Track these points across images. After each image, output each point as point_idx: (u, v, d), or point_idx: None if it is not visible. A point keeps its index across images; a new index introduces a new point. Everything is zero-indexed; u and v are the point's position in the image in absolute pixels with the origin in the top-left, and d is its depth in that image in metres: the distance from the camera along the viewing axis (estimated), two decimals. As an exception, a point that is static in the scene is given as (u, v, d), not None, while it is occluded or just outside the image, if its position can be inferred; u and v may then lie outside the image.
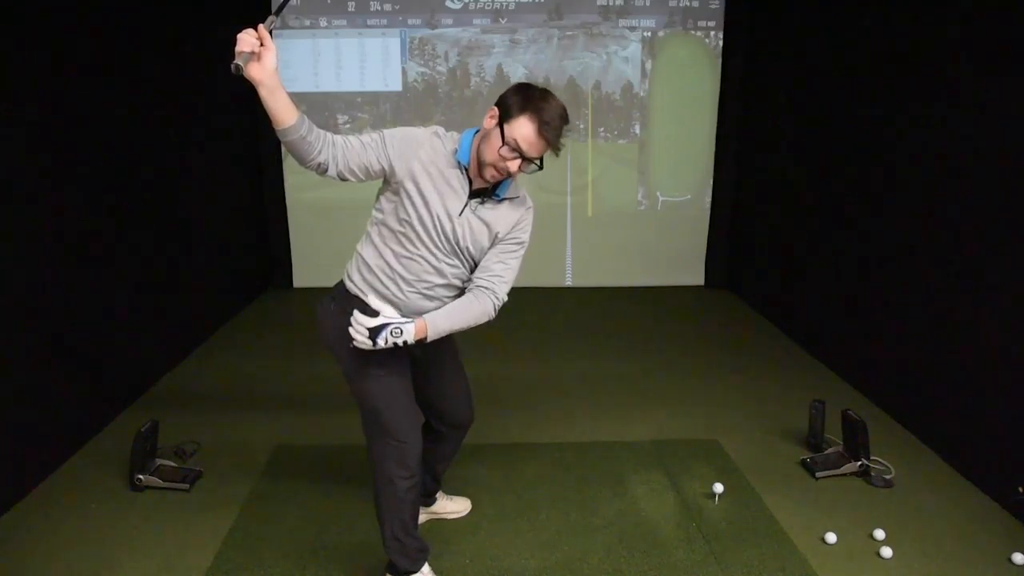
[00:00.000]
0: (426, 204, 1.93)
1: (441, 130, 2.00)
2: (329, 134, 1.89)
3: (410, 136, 1.94)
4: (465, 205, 1.97)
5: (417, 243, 1.98)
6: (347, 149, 1.89)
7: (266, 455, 3.12)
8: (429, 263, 2.00)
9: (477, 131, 1.97)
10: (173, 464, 2.93)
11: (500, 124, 1.86)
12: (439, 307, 2.02)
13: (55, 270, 3.03)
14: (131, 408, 3.55)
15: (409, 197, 1.93)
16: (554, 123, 1.83)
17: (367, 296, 1.99)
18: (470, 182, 1.97)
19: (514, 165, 1.87)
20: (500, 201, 2.02)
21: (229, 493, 2.82)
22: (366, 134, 1.94)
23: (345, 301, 2.07)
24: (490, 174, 1.90)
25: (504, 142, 1.84)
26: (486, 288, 2.01)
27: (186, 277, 4.27)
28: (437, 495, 2.65)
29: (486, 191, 1.99)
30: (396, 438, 2.07)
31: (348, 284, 2.08)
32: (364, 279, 2.05)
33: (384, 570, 2.29)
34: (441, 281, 2.04)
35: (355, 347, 1.92)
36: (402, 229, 1.97)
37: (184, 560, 2.42)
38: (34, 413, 2.86)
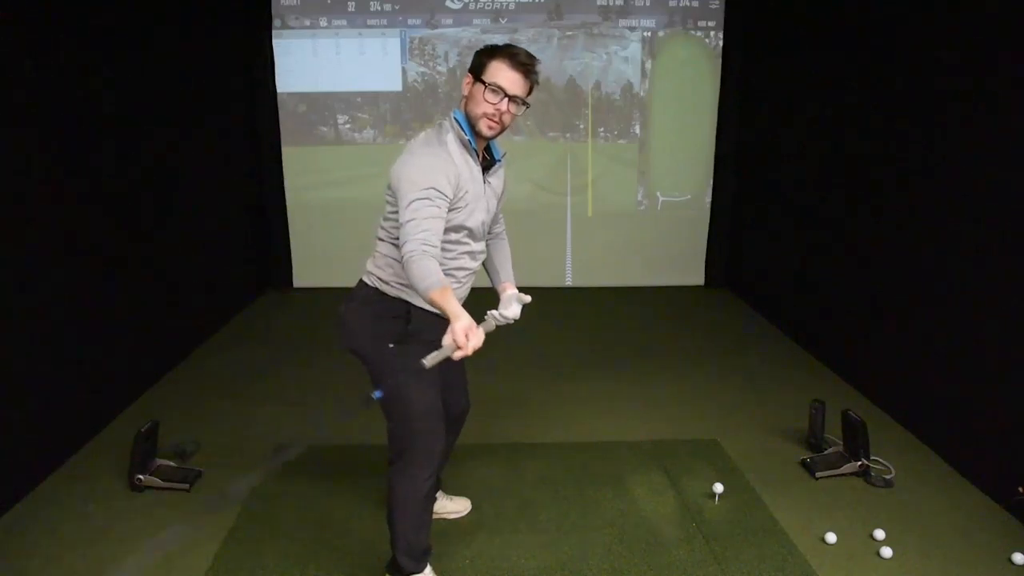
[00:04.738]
0: (475, 205, 2.04)
1: (435, 137, 2.01)
2: (433, 260, 1.86)
3: (436, 170, 1.92)
4: (484, 183, 2.08)
5: (467, 240, 2.08)
6: (439, 230, 1.91)
7: (266, 455, 3.12)
8: (470, 254, 2.12)
9: (457, 111, 2.05)
10: (173, 464, 2.93)
11: (477, 79, 1.98)
12: (467, 290, 2.19)
13: (55, 270, 3.02)
14: (131, 408, 3.55)
15: (459, 208, 2.00)
16: (522, 53, 1.97)
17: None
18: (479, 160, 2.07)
19: (503, 105, 1.96)
20: (497, 165, 2.14)
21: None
22: (424, 203, 1.89)
23: (380, 304, 2.08)
24: (485, 125, 1.98)
25: (487, 87, 1.95)
26: (504, 230, 2.35)
27: (186, 277, 4.27)
28: (437, 495, 2.65)
29: (488, 161, 2.11)
30: (425, 438, 2.11)
31: (385, 288, 2.08)
32: (406, 281, 2.01)
33: (384, 570, 2.29)
34: (475, 267, 2.17)
35: (395, 348, 2.04)
36: (454, 233, 2.03)
37: (184, 560, 2.42)
38: (34, 413, 2.86)
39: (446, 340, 1.78)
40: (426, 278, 1.84)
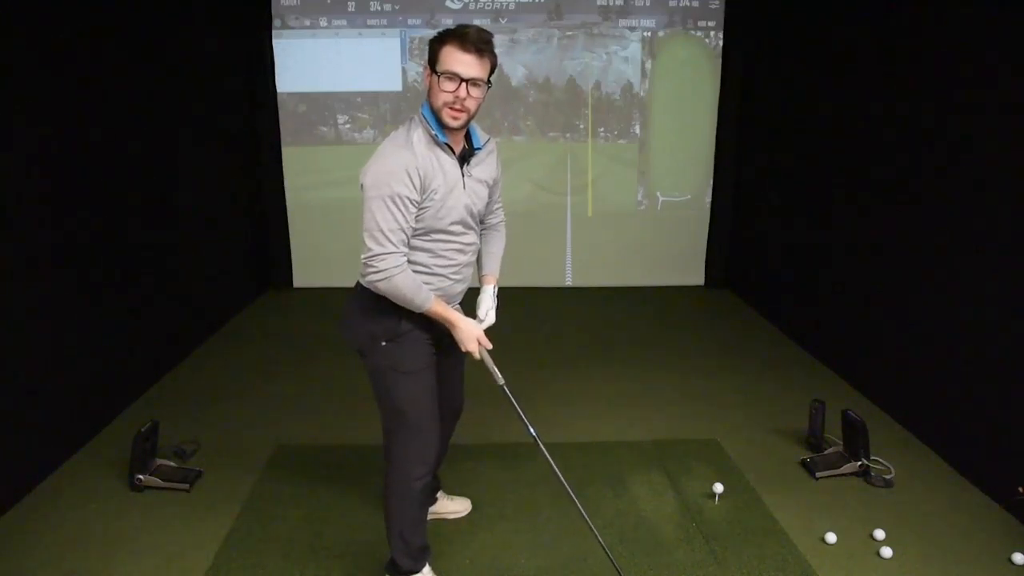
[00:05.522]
0: (444, 203, 1.98)
1: (403, 136, 1.95)
2: (408, 274, 1.95)
3: (398, 171, 1.88)
4: (463, 177, 2.02)
5: (448, 238, 2.04)
6: (407, 237, 1.96)
7: (266, 455, 3.12)
8: (458, 249, 2.09)
9: (424, 105, 1.99)
10: (173, 464, 2.93)
11: (432, 69, 1.92)
12: (465, 282, 2.18)
13: (54, 270, 3.03)
14: (131, 408, 3.55)
15: (427, 207, 1.96)
16: (471, 32, 1.88)
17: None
18: (454, 153, 2.01)
19: (462, 91, 1.89)
20: (482, 152, 2.09)
21: (229, 493, 2.82)
22: (385, 210, 1.88)
23: (374, 304, 2.03)
24: (450, 115, 1.92)
25: (440, 76, 1.89)
26: (501, 221, 2.33)
27: (186, 277, 4.28)
28: (438, 494, 2.65)
29: (466, 152, 2.05)
30: (421, 435, 2.10)
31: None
32: None
33: (384, 570, 2.29)
34: (467, 259, 2.15)
35: (388, 346, 2.03)
36: (433, 234, 2.01)
37: (184, 560, 2.42)
38: (34, 413, 2.86)
39: (470, 347, 2.06)
40: (415, 296, 1.94)
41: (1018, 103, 2.69)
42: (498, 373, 2.14)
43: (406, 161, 1.89)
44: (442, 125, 1.95)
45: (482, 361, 2.12)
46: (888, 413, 3.49)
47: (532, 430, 2.20)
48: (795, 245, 4.60)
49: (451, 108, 1.91)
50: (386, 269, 1.89)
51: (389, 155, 1.91)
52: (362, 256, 1.91)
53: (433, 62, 1.91)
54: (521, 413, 2.18)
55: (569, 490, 2.20)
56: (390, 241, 1.89)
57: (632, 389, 3.86)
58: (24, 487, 2.79)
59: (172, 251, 4.11)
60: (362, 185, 1.91)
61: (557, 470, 2.20)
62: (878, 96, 3.62)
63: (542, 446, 2.20)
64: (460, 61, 1.87)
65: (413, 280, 1.94)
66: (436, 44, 1.91)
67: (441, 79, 1.88)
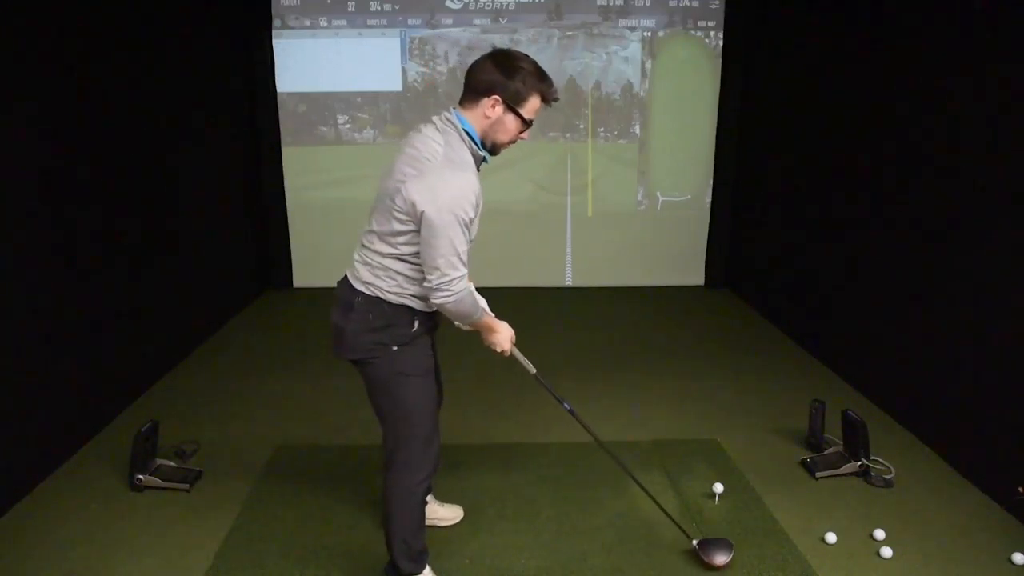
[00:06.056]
0: (479, 218, 2.01)
1: (456, 156, 1.92)
2: (468, 282, 2.00)
3: (469, 195, 1.89)
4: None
5: (470, 248, 2.05)
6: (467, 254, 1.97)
7: (266, 455, 3.12)
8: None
9: (463, 120, 1.96)
10: (173, 464, 2.93)
11: (511, 109, 1.95)
12: None
13: (54, 269, 3.03)
14: (131, 408, 3.55)
15: (473, 224, 1.98)
16: (553, 86, 1.98)
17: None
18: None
19: (527, 134, 2.03)
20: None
21: (229, 493, 2.82)
22: (460, 235, 1.89)
23: (387, 313, 2.02)
24: (504, 149, 2.04)
25: (526, 124, 1.98)
26: None
27: (186, 277, 4.28)
28: (428, 498, 2.62)
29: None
30: (426, 439, 2.11)
31: (389, 296, 2.02)
32: (411, 291, 2.03)
33: (383, 572, 2.29)
34: None
35: (398, 350, 2.04)
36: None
37: (184, 560, 2.42)
38: (34, 413, 2.86)
39: (506, 346, 2.18)
40: (475, 310, 2.03)
41: (1018, 103, 2.69)
42: (529, 364, 2.29)
43: (473, 184, 1.90)
44: (494, 152, 2.03)
45: (513, 357, 2.25)
46: (888, 413, 3.49)
47: (567, 405, 2.42)
48: (795, 245, 4.60)
49: (511, 143, 2.01)
50: (460, 291, 1.94)
51: (455, 180, 1.88)
52: (436, 281, 1.90)
53: (516, 102, 1.93)
54: (553, 393, 2.37)
55: (617, 461, 2.53)
56: (463, 263, 1.93)
57: (632, 389, 3.86)
58: (24, 487, 2.79)
59: (172, 251, 4.11)
60: (423, 212, 1.85)
61: (604, 446, 2.46)
62: (878, 96, 3.62)
63: (579, 419, 2.44)
64: (538, 112, 1.98)
65: (473, 294, 2.04)
66: (523, 88, 1.92)
67: (525, 127, 1.99)
